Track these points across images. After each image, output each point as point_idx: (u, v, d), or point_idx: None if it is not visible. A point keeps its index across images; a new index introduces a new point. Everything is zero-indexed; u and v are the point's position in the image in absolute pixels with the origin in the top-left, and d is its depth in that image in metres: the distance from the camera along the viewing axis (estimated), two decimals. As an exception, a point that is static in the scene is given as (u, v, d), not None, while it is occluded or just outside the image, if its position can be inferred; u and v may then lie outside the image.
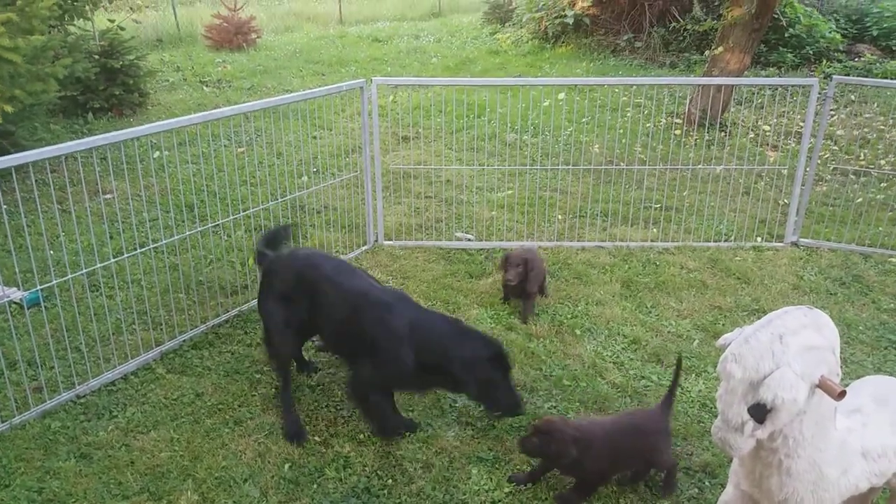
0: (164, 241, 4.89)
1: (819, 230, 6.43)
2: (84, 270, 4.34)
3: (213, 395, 4.13)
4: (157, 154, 7.60)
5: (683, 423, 3.96)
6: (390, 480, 3.55)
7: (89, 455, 3.65)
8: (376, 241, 6.14)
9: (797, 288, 5.49)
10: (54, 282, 4.20)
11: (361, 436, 3.83)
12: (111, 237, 5.86)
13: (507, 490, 3.49)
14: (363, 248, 6.03)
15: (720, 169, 7.45)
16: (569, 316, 5.07)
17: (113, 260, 4.49)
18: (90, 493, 3.38)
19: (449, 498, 3.44)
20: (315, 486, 3.50)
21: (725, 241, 6.26)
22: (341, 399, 4.13)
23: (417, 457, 3.69)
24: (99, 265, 4.38)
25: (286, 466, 3.60)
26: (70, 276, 4.25)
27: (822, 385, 2.30)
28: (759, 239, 6.31)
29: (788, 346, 2.29)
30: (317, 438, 3.81)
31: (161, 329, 4.65)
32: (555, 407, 4.09)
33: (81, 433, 3.80)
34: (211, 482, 3.48)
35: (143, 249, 4.78)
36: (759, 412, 2.32)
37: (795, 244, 6.25)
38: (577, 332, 4.88)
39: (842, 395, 2.29)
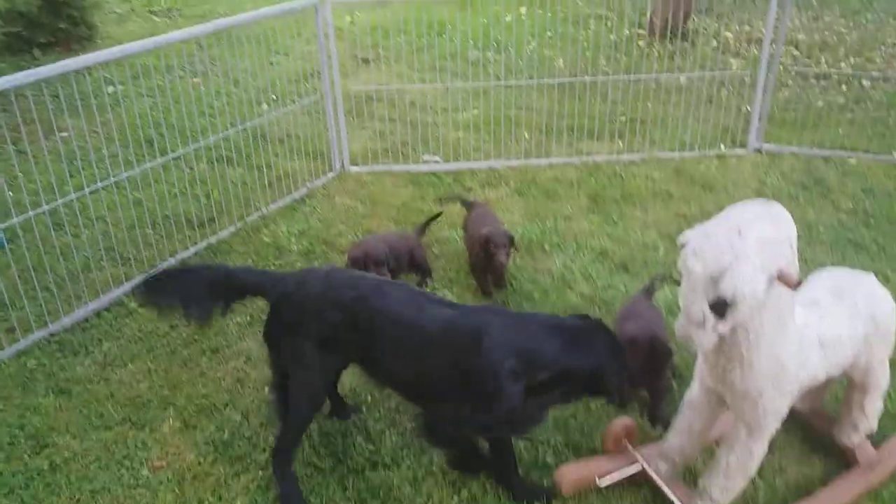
0: (126, 175, 4.78)
1: (781, 135, 6.51)
2: (45, 207, 4.25)
3: (187, 327, 4.14)
4: (111, 89, 7.34)
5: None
6: (369, 397, 3.63)
7: (68, 390, 3.67)
8: (342, 167, 6.08)
9: (760, 193, 5.59)
10: (16, 220, 4.11)
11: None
12: (71, 175, 5.71)
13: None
14: (329, 175, 5.97)
15: (684, 78, 7.42)
16: (538, 232, 5.12)
17: (74, 195, 4.39)
18: (72, 426, 3.43)
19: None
20: (295, 407, 3.57)
21: (690, 150, 6.31)
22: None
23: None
24: (60, 201, 4.29)
25: (266, 389, 3.66)
26: (31, 213, 4.16)
27: (781, 277, 2.38)
28: (722, 147, 6.37)
29: (746, 240, 2.34)
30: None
31: (130, 264, 4.62)
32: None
33: (58, 370, 3.81)
34: (192, 409, 3.54)
35: (105, 184, 4.68)
36: (721, 307, 2.39)
37: (759, 150, 6.32)
38: (547, 247, 4.94)
39: (798, 285, 2.37)
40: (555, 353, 2.69)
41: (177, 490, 3.09)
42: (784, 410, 2.74)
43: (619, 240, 5.00)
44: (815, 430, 3.39)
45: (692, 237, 2.46)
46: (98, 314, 4.27)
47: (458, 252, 4.85)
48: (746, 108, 6.88)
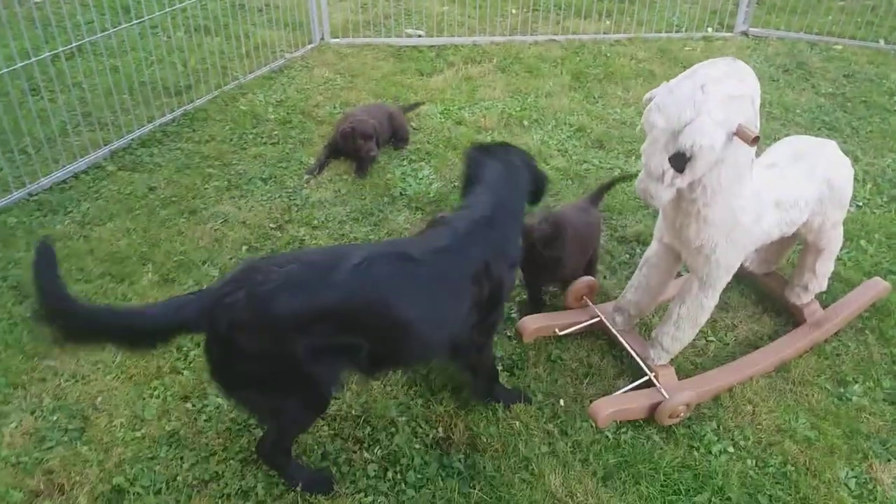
0: (100, 35, 4.70)
1: (770, 20, 6.41)
2: (19, 64, 4.18)
3: (165, 189, 4.20)
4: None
5: (620, 201, 4.17)
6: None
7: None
8: (322, 39, 5.98)
9: (741, 75, 5.56)
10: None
11: (315, 222, 3.97)
12: (46, 41, 5.61)
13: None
14: (308, 46, 5.88)
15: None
16: (518, 108, 5.12)
17: (48, 54, 4.33)
18: (54, 278, 3.52)
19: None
20: (272, 265, 3.67)
21: (677, 31, 6.23)
22: (293, 190, 4.23)
23: (370, 237, 3.87)
24: (34, 59, 4.23)
25: (243, 248, 3.77)
26: (5, 70, 4.11)
27: (739, 132, 2.43)
28: (709, 29, 6.29)
29: (709, 95, 2.39)
30: (272, 225, 3.95)
31: (108, 129, 4.61)
32: (501, 190, 4.25)
33: (38, 227, 3.88)
34: (170, 265, 3.64)
35: (79, 43, 4.61)
36: (679, 161, 2.46)
37: (745, 34, 6.25)
38: (525, 122, 4.96)
39: (755, 140, 2.43)
40: (513, 238, 2.69)
41: (157, 335, 3.22)
42: (736, 264, 2.86)
43: (598, 117, 5.02)
44: (768, 292, 3.54)
45: (657, 93, 2.50)
46: (76, 176, 4.30)
47: (435, 127, 4.87)
48: (738, -9, 6.74)
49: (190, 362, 3.08)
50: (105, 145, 4.52)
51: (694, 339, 3.28)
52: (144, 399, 2.90)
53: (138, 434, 2.76)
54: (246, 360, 2.20)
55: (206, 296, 2.24)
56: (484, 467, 2.70)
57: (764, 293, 3.56)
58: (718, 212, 2.67)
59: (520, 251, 2.74)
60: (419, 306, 2.38)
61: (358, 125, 4.29)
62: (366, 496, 2.59)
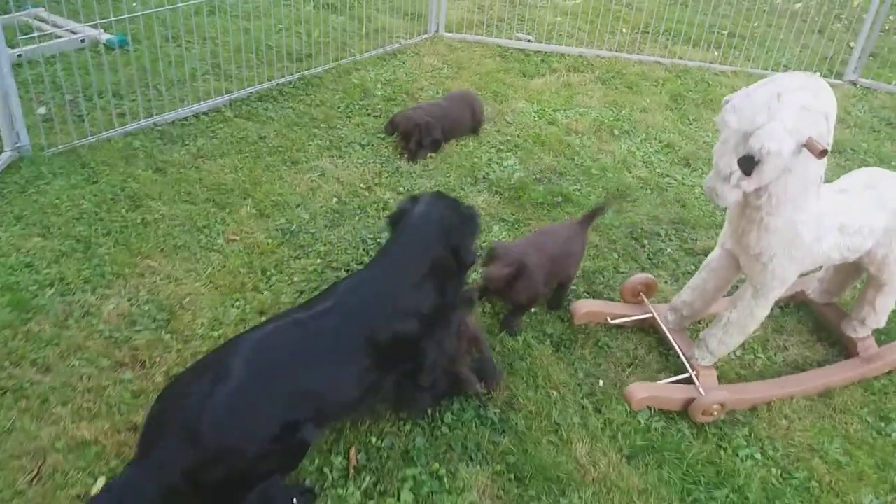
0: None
1: (881, 73, 6.34)
2: (166, 7, 4.66)
3: (273, 139, 4.58)
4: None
5: (696, 216, 4.27)
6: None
7: (164, 169, 4.17)
8: (437, 31, 6.30)
9: (842, 121, 5.55)
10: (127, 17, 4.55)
11: (401, 188, 4.25)
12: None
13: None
14: (423, 36, 6.21)
15: (800, 5, 7.22)
16: (611, 118, 5.28)
17: (192, 2, 4.80)
18: (164, 196, 3.93)
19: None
20: (356, 218, 3.97)
21: (784, 70, 6.23)
22: (387, 158, 4.53)
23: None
24: (180, 4, 4.71)
25: (334, 200, 4.08)
26: (141, 13, 4.59)
27: (808, 143, 2.54)
28: (817, 73, 6.24)
29: (784, 104, 2.51)
30: (362, 185, 4.25)
31: (231, 81, 5.05)
32: (579, 189, 4.43)
33: (158, 152, 4.32)
34: (267, 203, 3.99)
35: (220, 2, 5.09)
36: (747, 163, 2.59)
37: (854, 83, 6.20)
38: (616, 132, 5.12)
39: (823, 153, 2.53)
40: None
41: (245, 259, 3.55)
42: (790, 278, 2.94)
43: (689, 137, 5.12)
44: (826, 322, 3.57)
45: (735, 96, 2.64)
46: (197, 116, 4.74)
47: (527, 123, 5.09)
48: (852, 44, 6.69)
49: (271, 285, 3.40)
50: (226, 94, 4.96)
51: (742, 354, 3.39)
52: (226, 307, 3.23)
53: (216, 334, 3.07)
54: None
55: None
56: (516, 424, 2.88)
57: (821, 323, 3.60)
58: (780, 222, 2.76)
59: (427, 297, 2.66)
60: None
61: (402, 122, 4.57)
62: (405, 424, 2.82)
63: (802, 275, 3.07)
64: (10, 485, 2.38)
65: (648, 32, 6.57)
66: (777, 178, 2.65)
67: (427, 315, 2.64)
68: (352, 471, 2.62)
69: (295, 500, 2.43)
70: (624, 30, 6.64)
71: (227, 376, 2.27)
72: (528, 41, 6.33)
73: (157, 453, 2.18)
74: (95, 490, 2.38)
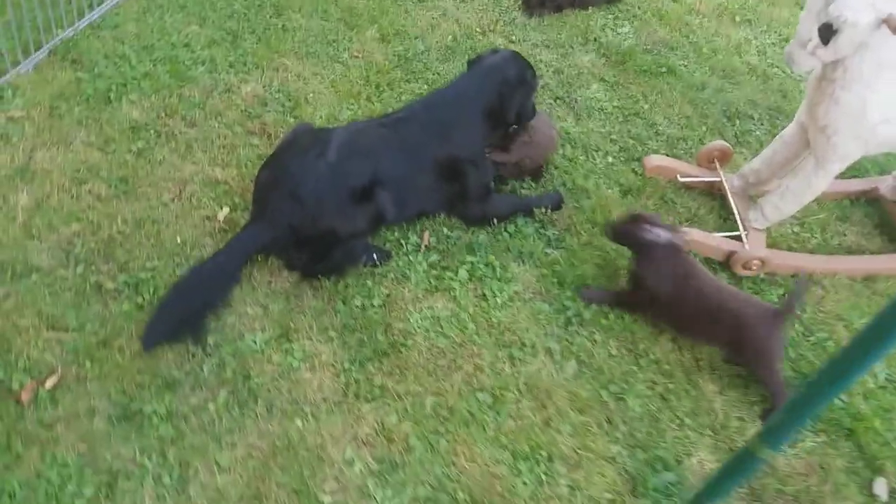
0: None
1: None
2: None
3: (405, -23, 4.93)
4: None
5: (793, 108, 4.35)
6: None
7: (306, -11, 4.63)
8: None
9: None
10: None
11: (513, 37, 4.54)
12: None
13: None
14: None
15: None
16: (737, 6, 5.27)
17: None
18: (303, 10, 4.38)
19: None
20: (466, 57, 4.30)
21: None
22: (506, 9, 4.80)
23: (553, 64, 4.39)
24: None
25: (449, 38, 4.42)
26: None
27: (888, 20, 2.64)
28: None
29: (870, -19, 2.63)
30: (478, 29, 4.57)
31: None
32: (685, 65, 4.57)
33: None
34: (390, 30, 4.37)
35: None
36: (826, 31, 2.74)
37: None
38: (738, 19, 5.13)
39: (904, 30, 2.66)
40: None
41: (363, 73, 4.01)
42: (852, 155, 3.10)
43: (811, 34, 5.07)
44: (893, 220, 3.69)
45: (827, -31, 2.77)
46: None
47: None
48: None
49: (381, 99, 3.86)
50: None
51: (799, 231, 3.60)
52: (341, 107, 3.73)
53: (331, 126, 3.59)
54: None
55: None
56: (570, 244, 3.28)
57: (887, 220, 3.72)
58: (851, 98, 2.91)
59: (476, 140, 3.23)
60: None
61: None
62: (472, 233, 3.28)
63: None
64: (159, 198, 3.05)
65: (802, -74, 6.31)
66: (853, 52, 2.79)
67: (471, 148, 3.20)
68: (423, 247, 3.13)
69: (375, 255, 2.98)
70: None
71: (325, 153, 2.85)
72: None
73: (268, 212, 2.78)
74: (221, 216, 3.01)
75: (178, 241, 2.90)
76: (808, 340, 3.10)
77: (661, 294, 2.87)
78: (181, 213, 3.01)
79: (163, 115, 3.45)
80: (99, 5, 4.02)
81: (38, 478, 2.18)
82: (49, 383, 2.39)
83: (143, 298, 2.67)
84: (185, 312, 2.55)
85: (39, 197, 2.97)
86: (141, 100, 3.51)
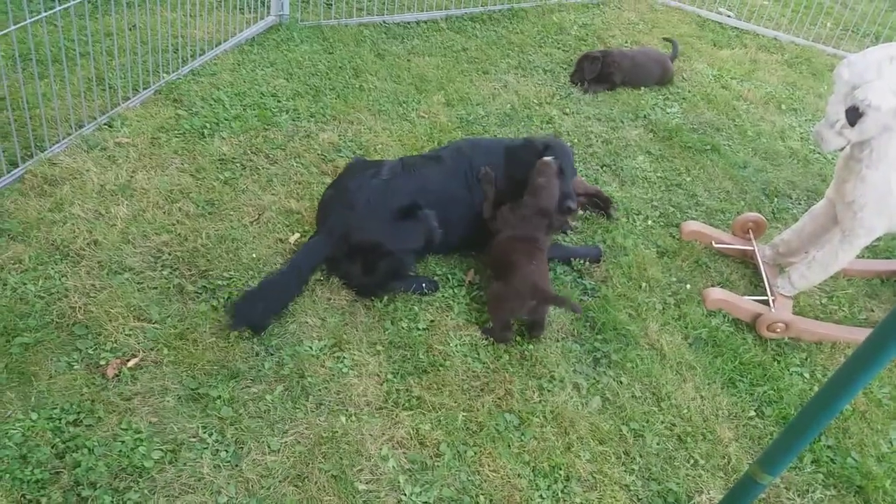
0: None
1: None
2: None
3: (473, 52, 5.41)
4: None
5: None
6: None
7: (383, 56, 5.14)
8: (644, -8, 6.81)
9: None
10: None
11: (567, 110, 4.92)
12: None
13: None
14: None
15: None
16: (784, 96, 5.58)
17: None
18: (379, 74, 4.89)
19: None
20: (522, 124, 4.71)
21: None
22: (563, 84, 5.21)
23: (604, 135, 4.74)
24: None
25: (508, 106, 4.84)
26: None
27: (910, 106, 2.93)
28: None
29: (893, 66, 2.92)
30: (535, 101, 4.97)
31: (451, 1, 5.93)
32: (729, 145, 4.86)
33: (381, 42, 5.30)
34: (455, 97, 4.82)
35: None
36: (852, 114, 3.02)
37: None
38: (783, 107, 5.44)
39: (922, 115, 2.92)
40: None
41: (428, 130, 4.42)
42: (877, 230, 3.31)
43: (854, 127, 5.32)
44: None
45: (853, 55, 3.07)
46: (417, 22, 5.67)
47: (701, 82, 5.53)
48: None
49: (441, 151, 4.24)
50: (444, 10, 5.84)
51: (827, 303, 3.79)
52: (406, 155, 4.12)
53: (393, 172, 3.98)
54: None
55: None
56: (605, 294, 3.52)
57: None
58: (877, 176, 3.16)
59: None
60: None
61: (590, 53, 5.15)
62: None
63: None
64: (240, 220, 3.45)
65: (853, 32, 6.64)
66: (878, 134, 3.06)
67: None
68: (467, 283, 3.43)
69: (424, 284, 3.29)
70: (828, 24, 6.75)
71: (379, 173, 3.29)
72: (728, 16, 6.66)
73: (327, 224, 3.16)
74: (292, 239, 3.38)
75: (254, 256, 3.27)
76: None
77: None
78: (258, 235, 3.39)
79: (249, 151, 3.89)
80: (200, 55, 4.57)
81: (115, 439, 2.49)
82: (131, 363, 2.73)
83: (218, 302, 3.02)
84: (268, 303, 2.95)
85: (136, 210, 3.40)
86: (230, 137, 3.97)
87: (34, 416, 2.51)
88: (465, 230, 3.48)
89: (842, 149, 3.25)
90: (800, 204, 4.46)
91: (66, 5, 3.55)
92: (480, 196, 3.46)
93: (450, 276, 3.45)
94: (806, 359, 3.44)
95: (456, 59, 5.28)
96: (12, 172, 3.44)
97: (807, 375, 3.35)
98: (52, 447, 2.44)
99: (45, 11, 3.55)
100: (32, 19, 3.44)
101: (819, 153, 4.94)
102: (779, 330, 3.46)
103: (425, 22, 5.69)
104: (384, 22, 5.55)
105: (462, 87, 4.94)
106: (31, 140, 3.59)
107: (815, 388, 3.28)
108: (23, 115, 3.63)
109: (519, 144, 3.63)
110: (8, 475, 2.34)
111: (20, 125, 3.64)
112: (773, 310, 3.48)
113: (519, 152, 3.55)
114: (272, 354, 2.88)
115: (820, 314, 3.72)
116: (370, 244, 3.16)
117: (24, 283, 2.96)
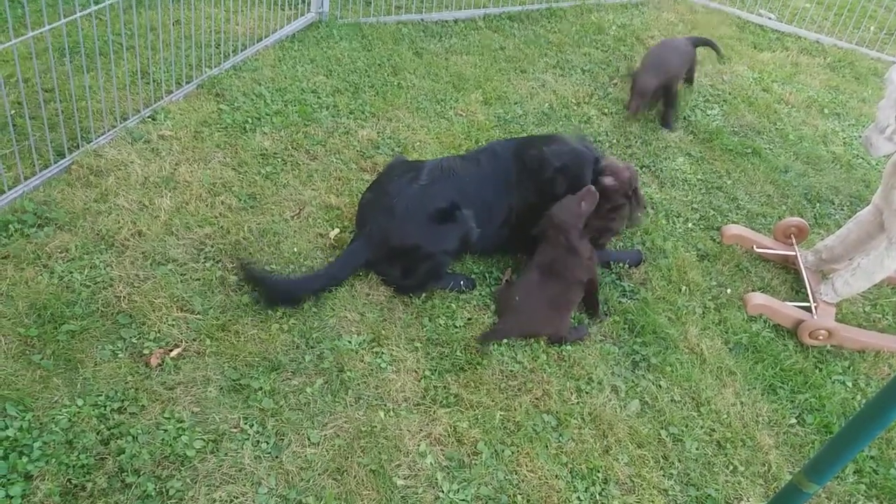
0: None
1: None
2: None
3: (511, 51, 5.40)
4: None
5: (875, 196, 4.50)
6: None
7: (421, 54, 5.15)
8: (684, -5, 6.74)
9: None
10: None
11: (606, 110, 4.89)
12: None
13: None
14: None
15: None
16: (827, 100, 5.49)
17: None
18: (417, 72, 4.90)
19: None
20: (559, 123, 4.68)
21: None
22: (601, 84, 5.18)
23: (634, 140, 4.70)
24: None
25: (546, 105, 4.82)
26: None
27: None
28: None
29: (948, 72, 2.86)
30: (573, 101, 4.94)
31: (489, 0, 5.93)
32: (770, 149, 4.79)
33: (419, 41, 5.30)
34: (492, 95, 4.81)
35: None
36: (905, 119, 2.97)
37: None
38: (826, 111, 5.35)
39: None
40: None
41: (465, 129, 4.41)
42: (925, 238, 3.25)
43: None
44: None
45: (906, 61, 3.01)
46: (455, 21, 5.67)
47: (742, 85, 5.45)
48: None
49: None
50: (483, 8, 5.84)
51: (870, 311, 3.72)
52: (444, 155, 4.11)
53: (431, 169, 3.98)
54: None
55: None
56: (644, 297, 3.49)
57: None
58: (927, 183, 3.10)
59: None
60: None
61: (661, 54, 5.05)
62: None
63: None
64: (281, 214, 3.47)
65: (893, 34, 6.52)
66: (930, 141, 2.99)
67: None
68: (504, 282, 3.42)
69: (462, 282, 3.29)
70: (871, 27, 6.63)
71: (418, 178, 3.25)
72: (770, 18, 6.56)
73: (368, 228, 3.16)
74: (332, 234, 3.40)
75: (295, 250, 3.29)
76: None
77: None
78: (299, 229, 3.41)
79: (290, 147, 3.91)
80: (242, 51, 4.61)
81: (158, 428, 2.52)
82: (174, 353, 2.76)
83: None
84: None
85: (180, 202, 3.43)
86: (272, 132, 4.00)
87: (80, 402, 2.55)
88: (501, 233, 3.46)
89: (891, 154, 3.19)
90: (842, 210, 4.38)
91: (112, 0, 3.60)
92: (516, 198, 3.43)
93: (486, 275, 3.44)
94: (848, 367, 3.38)
95: (494, 57, 5.27)
96: (59, 163, 3.50)
97: (849, 384, 3.29)
98: (97, 433, 2.48)
99: (94, 6, 3.60)
100: (81, 13, 3.49)
101: (863, 158, 4.86)
102: (821, 337, 3.40)
103: (463, 20, 5.69)
104: (422, 20, 5.56)
105: (500, 86, 4.93)
106: (77, 131, 3.65)
107: (858, 398, 3.23)
108: (70, 106, 3.70)
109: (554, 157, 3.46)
110: (55, 459, 2.38)
111: (67, 116, 3.70)
112: (815, 316, 3.42)
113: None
114: (312, 348, 2.89)
115: (863, 321, 3.65)
116: (409, 248, 3.17)
117: (71, 272, 3.01)
